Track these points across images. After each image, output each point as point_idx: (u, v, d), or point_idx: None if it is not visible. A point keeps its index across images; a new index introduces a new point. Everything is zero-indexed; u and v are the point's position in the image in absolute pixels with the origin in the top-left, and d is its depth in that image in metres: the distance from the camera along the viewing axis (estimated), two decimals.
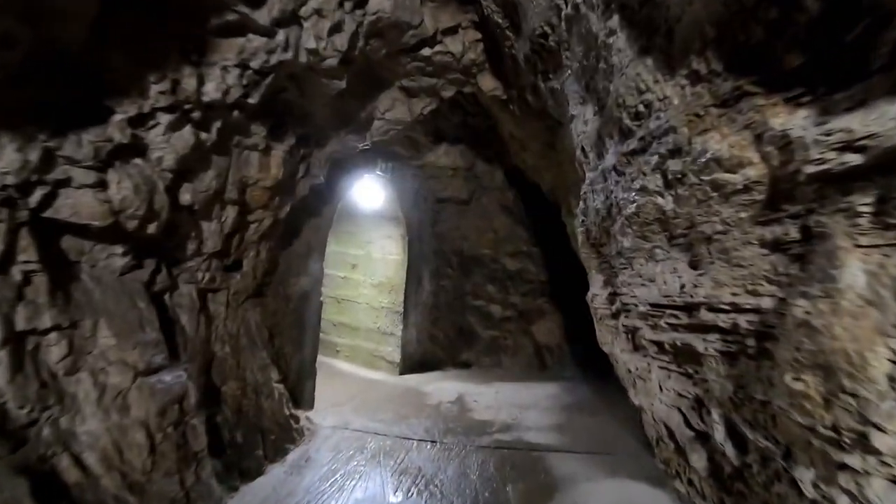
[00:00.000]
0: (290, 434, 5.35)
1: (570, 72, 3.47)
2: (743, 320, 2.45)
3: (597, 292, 4.54)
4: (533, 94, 4.48)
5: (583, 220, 4.20)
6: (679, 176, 2.40)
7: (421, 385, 7.59)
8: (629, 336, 4.00)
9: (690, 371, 3.36)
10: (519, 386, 7.81)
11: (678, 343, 3.21)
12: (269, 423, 5.15)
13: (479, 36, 4.60)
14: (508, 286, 9.31)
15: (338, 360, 8.51)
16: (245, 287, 4.65)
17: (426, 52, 4.50)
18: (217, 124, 3.47)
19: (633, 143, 2.72)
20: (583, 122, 3.48)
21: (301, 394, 5.98)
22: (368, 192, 7.27)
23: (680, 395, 3.61)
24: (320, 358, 8.77)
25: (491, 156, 8.39)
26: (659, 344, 3.50)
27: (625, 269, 3.47)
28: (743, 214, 2.20)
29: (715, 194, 2.27)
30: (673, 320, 3.15)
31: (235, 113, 3.55)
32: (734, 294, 2.46)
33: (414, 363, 8.20)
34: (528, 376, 8.59)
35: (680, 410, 3.69)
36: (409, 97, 5.18)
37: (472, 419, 6.25)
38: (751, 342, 2.48)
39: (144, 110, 3.03)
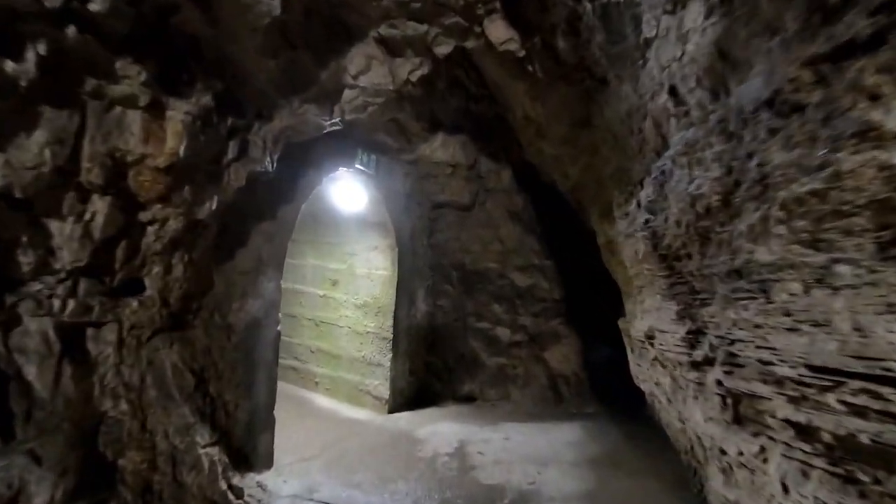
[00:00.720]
0: None
1: None
2: None
3: (663, 328, 2.98)
4: (567, 35, 2.96)
5: (647, 221, 2.68)
6: None
7: (413, 428, 6.01)
8: (727, 402, 2.44)
9: (864, 478, 1.83)
10: (533, 428, 6.22)
11: (863, 438, 1.68)
12: (196, 503, 3.61)
13: None
14: (518, 305, 7.75)
15: (317, 393, 6.94)
16: (150, 318, 3.11)
17: None
18: (38, 48, 1.95)
19: (850, 25, 1.18)
20: (676, 40, 1.95)
21: (253, 451, 4.41)
22: (348, 191, 5.76)
23: None
24: (297, 391, 7.23)
25: (497, 151, 6.87)
26: (805, 429, 1.96)
27: (749, 299, 1.92)
28: None
29: None
30: (863, 400, 1.60)
31: (73, 32, 2.02)
32: None
33: (406, 399, 6.63)
34: (542, 413, 7.00)
35: None
36: (390, 55, 3.66)
37: (476, 483, 4.66)
38: None
39: None
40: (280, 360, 7.58)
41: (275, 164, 3.68)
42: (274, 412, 4.66)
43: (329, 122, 3.92)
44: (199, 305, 3.60)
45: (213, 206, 3.19)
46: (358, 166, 5.21)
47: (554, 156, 5.24)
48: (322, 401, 6.72)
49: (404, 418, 6.31)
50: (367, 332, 6.50)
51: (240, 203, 3.70)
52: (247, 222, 3.92)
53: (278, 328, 4.36)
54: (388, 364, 6.32)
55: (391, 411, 6.37)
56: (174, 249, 3.10)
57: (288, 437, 5.43)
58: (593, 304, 8.15)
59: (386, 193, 6.02)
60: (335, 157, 4.87)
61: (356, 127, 4.77)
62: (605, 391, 7.43)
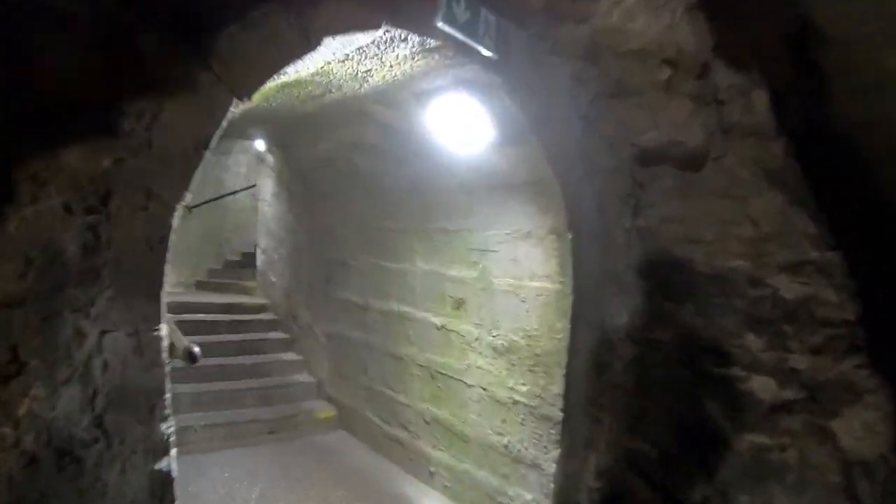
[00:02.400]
0: None
1: None
2: None
3: None
4: None
5: None
6: None
7: None
8: None
9: None
10: None
11: None
12: None
13: None
14: (786, 334, 3.95)
15: (431, 488, 3.91)
16: None
17: None
18: None
19: None
20: None
21: None
22: (452, 113, 2.72)
23: None
24: (399, 484, 3.56)
25: (744, 50, 3.24)
26: None
27: None
28: None
29: None
30: None
31: None
32: None
33: None
34: None
35: None
36: None
37: None
38: None
39: None
40: (383, 428, 4.69)
41: None
42: None
43: None
44: None
45: None
46: (445, 28, 1.98)
47: None
48: None
49: None
50: (514, 401, 3.31)
51: None
52: None
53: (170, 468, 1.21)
54: (552, 466, 3.10)
55: None
56: None
57: None
58: None
59: (538, 119, 2.79)
60: None
61: None
62: None
